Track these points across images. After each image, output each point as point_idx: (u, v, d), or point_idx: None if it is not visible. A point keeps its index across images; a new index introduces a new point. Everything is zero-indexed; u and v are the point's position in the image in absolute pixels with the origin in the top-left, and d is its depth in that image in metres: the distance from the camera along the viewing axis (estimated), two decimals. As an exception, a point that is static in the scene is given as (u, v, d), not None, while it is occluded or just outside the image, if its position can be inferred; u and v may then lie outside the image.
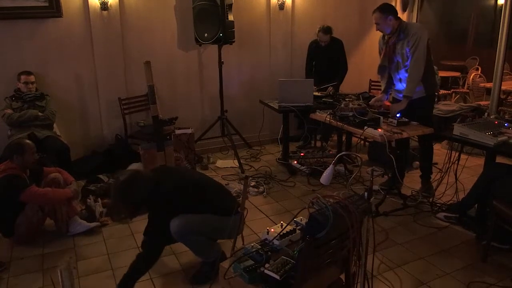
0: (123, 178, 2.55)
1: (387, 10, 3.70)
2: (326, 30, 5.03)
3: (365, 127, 3.58)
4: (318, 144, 5.58)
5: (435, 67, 4.76)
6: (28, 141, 3.33)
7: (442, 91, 6.93)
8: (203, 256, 2.79)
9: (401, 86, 3.90)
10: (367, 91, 5.58)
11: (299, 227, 2.21)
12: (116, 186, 2.57)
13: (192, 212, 2.63)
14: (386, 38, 3.85)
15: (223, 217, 2.57)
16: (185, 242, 2.70)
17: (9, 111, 4.13)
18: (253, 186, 4.30)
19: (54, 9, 4.41)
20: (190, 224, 2.61)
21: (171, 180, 2.70)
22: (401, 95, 3.88)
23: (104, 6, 4.58)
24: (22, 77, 4.23)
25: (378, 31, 3.85)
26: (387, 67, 3.90)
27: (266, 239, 2.12)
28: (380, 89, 4.26)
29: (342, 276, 2.17)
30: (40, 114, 4.21)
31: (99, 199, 3.78)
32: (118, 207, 2.72)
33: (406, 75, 3.78)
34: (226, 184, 4.28)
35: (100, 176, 4.22)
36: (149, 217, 2.68)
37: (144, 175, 2.63)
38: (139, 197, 2.54)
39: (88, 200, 3.72)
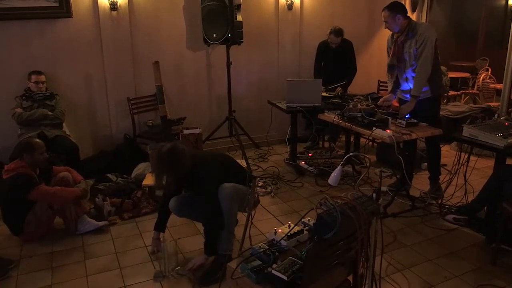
0: (168, 147, 2.73)
1: (396, 8, 3.68)
2: (338, 32, 5.02)
3: (374, 128, 3.56)
4: (326, 144, 5.57)
5: (444, 68, 4.74)
6: (37, 140, 3.37)
7: (451, 92, 6.88)
8: (225, 242, 2.79)
9: (407, 85, 3.88)
10: (376, 92, 5.56)
11: (306, 227, 2.20)
12: (160, 156, 2.72)
13: (228, 181, 2.81)
14: (395, 36, 3.84)
15: (246, 187, 2.80)
16: (228, 210, 2.76)
17: (19, 110, 4.17)
18: (261, 187, 4.30)
19: (64, 10, 4.44)
20: (236, 190, 2.78)
21: (204, 153, 3.07)
22: (407, 95, 3.87)
23: (113, 7, 4.61)
24: (33, 76, 4.27)
25: (386, 29, 3.83)
26: (396, 66, 3.89)
27: (273, 239, 2.12)
28: (388, 90, 4.24)
29: (350, 278, 2.16)
30: (49, 113, 4.24)
31: (107, 198, 3.81)
32: (162, 177, 2.85)
33: (413, 74, 3.76)
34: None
35: (109, 175, 4.23)
36: (194, 187, 2.95)
37: (184, 147, 2.81)
38: (185, 166, 2.72)
39: (97, 199, 3.75)
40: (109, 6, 4.60)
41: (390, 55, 3.89)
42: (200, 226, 3.23)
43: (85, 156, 4.67)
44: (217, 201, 2.76)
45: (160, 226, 3.11)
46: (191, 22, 5.08)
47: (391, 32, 3.91)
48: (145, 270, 2.92)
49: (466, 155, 3.59)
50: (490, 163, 4.07)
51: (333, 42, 5.08)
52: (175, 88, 5.19)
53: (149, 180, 3.96)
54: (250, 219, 2.32)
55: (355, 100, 4.18)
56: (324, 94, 4.84)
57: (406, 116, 3.72)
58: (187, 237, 3.35)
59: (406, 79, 3.88)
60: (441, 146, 4.07)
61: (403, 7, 3.73)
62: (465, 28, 9.03)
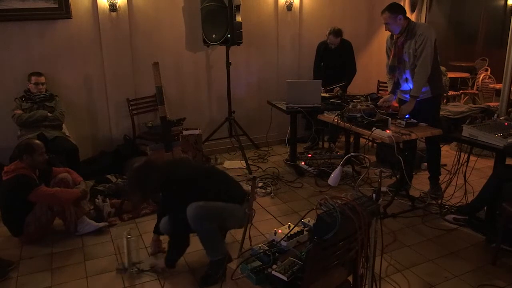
0: (138, 164, 2.67)
1: (397, 9, 3.69)
2: (337, 32, 5.02)
3: (373, 128, 3.57)
4: (326, 145, 5.57)
5: (444, 68, 4.74)
6: (37, 141, 3.37)
7: (451, 92, 6.89)
8: (212, 251, 2.79)
9: (407, 86, 3.89)
10: (375, 92, 5.56)
11: (306, 228, 2.20)
12: (130, 173, 2.69)
13: (207, 198, 2.72)
14: (394, 38, 3.84)
15: (234, 205, 2.72)
16: (200, 229, 2.73)
17: (19, 111, 4.17)
18: (261, 187, 4.30)
19: (63, 11, 4.44)
20: (206, 209, 2.68)
21: (183, 168, 2.85)
22: (407, 96, 3.87)
23: (112, 8, 4.61)
24: (33, 78, 4.27)
25: (387, 31, 3.83)
26: (397, 67, 3.89)
27: (273, 240, 2.12)
28: (387, 90, 4.24)
29: (350, 278, 2.16)
30: (49, 114, 4.24)
31: (107, 199, 3.80)
32: (132, 194, 2.84)
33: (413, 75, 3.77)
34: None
35: (109, 176, 4.24)
36: (162, 204, 2.87)
37: (157, 163, 2.76)
38: (153, 184, 2.66)
39: (97, 200, 3.75)
40: (108, 7, 4.60)
41: (391, 56, 3.89)
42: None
43: (84, 157, 4.67)
44: (179, 223, 2.72)
45: (158, 229, 3.08)
46: (191, 23, 5.09)
47: (389, 33, 3.91)
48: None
49: (466, 155, 3.60)
50: (490, 163, 4.07)
51: (332, 42, 5.09)
52: (175, 89, 5.20)
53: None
54: (250, 220, 2.32)
55: (354, 100, 4.18)
56: (323, 94, 4.84)
57: (406, 117, 3.73)
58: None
59: (406, 80, 3.88)
60: (440, 146, 4.07)
61: (402, 8, 3.74)
62: (464, 28, 9.05)
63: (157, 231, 3.09)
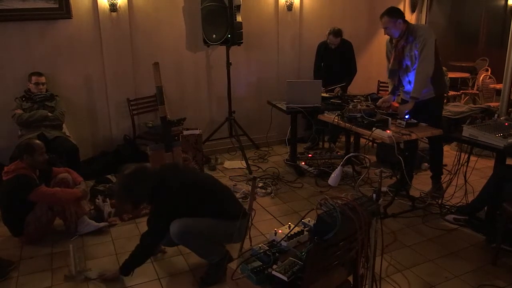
0: (128, 172, 2.59)
1: (396, 13, 3.69)
2: (337, 32, 5.02)
3: (374, 128, 3.57)
4: (326, 145, 5.57)
5: (444, 68, 4.74)
6: (37, 141, 3.37)
7: (451, 93, 6.89)
8: (206, 258, 2.79)
9: (410, 87, 3.88)
10: (375, 92, 5.57)
11: (307, 228, 2.20)
12: (119, 180, 2.63)
13: (195, 214, 2.64)
14: (394, 42, 3.83)
15: (228, 222, 2.59)
16: (185, 244, 2.73)
17: (19, 111, 4.17)
18: (261, 187, 4.30)
19: (63, 11, 4.44)
20: (190, 227, 2.60)
21: (176, 179, 2.69)
22: (409, 96, 3.87)
23: (113, 8, 4.61)
24: (33, 78, 4.27)
25: (386, 35, 3.83)
26: (398, 71, 3.89)
27: (274, 240, 2.12)
28: (388, 90, 4.24)
29: (350, 278, 2.16)
30: (49, 114, 4.24)
31: (107, 199, 3.80)
32: (120, 201, 2.77)
33: None
34: (234, 185, 4.29)
35: (109, 176, 4.24)
36: (150, 213, 2.75)
37: (149, 171, 2.66)
38: (141, 193, 2.58)
39: (97, 200, 3.75)
40: (108, 7, 4.60)
41: (391, 60, 3.89)
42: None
43: (85, 157, 4.67)
44: (158, 234, 2.67)
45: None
46: (191, 23, 5.09)
47: (388, 37, 3.91)
48: (146, 271, 2.91)
49: (466, 155, 3.60)
50: (490, 163, 4.06)
51: (332, 43, 5.09)
52: (175, 89, 5.19)
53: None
54: (250, 220, 2.32)
55: (355, 100, 4.18)
56: (324, 94, 4.84)
57: (407, 117, 3.72)
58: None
59: (409, 82, 3.87)
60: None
61: (401, 12, 3.74)
62: (464, 28, 9.05)
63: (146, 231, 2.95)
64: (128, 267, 2.74)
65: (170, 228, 2.61)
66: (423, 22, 6.47)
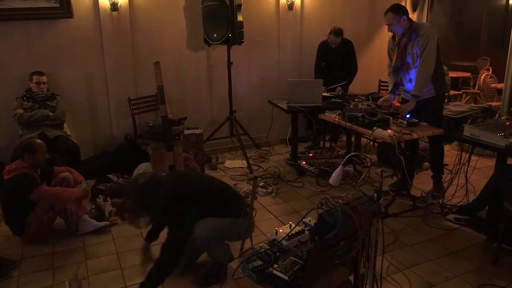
0: (143, 181, 2.50)
1: (400, 10, 3.68)
2: (338, 32, 5.02)
3: (375, 128, 3.56)
4: (327, 144, 5.57)
5: (445, 68, 4.73)
6: (38, 140, 3.37)
7: (452, 92, 6.87)
8: (219, 256, 2.78)
9: (411, 86, 3.88)
10: (376, 92, 5.56)
11: (307, 227, 2.20)
12: (135, 191, 2.51)
13: (207, 216, 2.65)
14: (397, 39, 3.83)
15: (234, 219, 2.60)
16: (209, 247, 2.73)
17: (20, 111, 4.17)
18: (262, 187, 4.30)
19: (64, 10, 4.45)
20: (216, 228, 2.62)
21: (189, 186, 2.68)
22: (410, 95, 3.86)
23: (114, 7, 4.62)
24: (34, 77, 4.27)
25: (389, 32, 3.82)
26: (400, 68, 3.88)
27: (274, 239, 2.11)
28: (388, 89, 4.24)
29: (351, 277, 2.16)
30: (50, 114, 4.25)
31: (108, 198, 3.81)
32: (136, 211, 2.60)
33: None
34: (234, 185, 4.29)
35: (110, 175, 4.24)
36: (167, 225, 2.66)
37: (162, 180, 2.59)
38: (159, 202, 2.50)
39: (98, 200, 3.75)
40: (109, 6, 4.61)
41: (394, 57, 3.88)
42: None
43: (86, 156, 4.67)
44: (179, 242, 2.57)
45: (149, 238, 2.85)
46: (192, 22, 5.09)
47: (391, 34, 3.90)
48: (146, 271, 2.91)
49: (467, 155, 3.59)
50: (491, 162, 4.06)
51: (333, 42, 5.08)
52: (176, 88, 5.19)
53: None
54: (251, 219, 2.32)
55: (356, 100, 4.17)
56: (325, 94, 4.84)
57: (408, 116, 3.72)
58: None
59: (410, 80, 3.87)
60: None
61: (406, 9, 3.73)
62: (465, 28, 9.04)
63: (149, 238, 2.88)
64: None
65: (196, 233, 2.59)
66: (424, 21, 6.45)
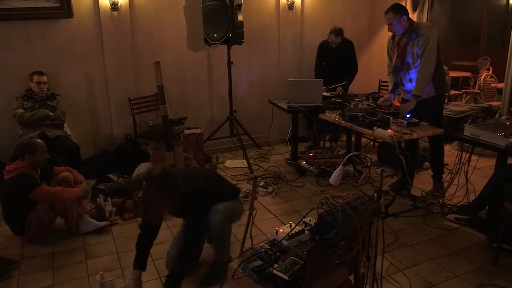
0: (158, 173, 2.45)
1: (401, 10, 3.67)
2: (338, 32, 5.01)
3: (375, 128, 3.56)
4: (327, 144, 5.57)
5: (446, 68, 4.73)
6: (39, 140, 3.37)
7: (452, 92, 6.87)
8: (222, 253, 2.82)
9: (411, 86, 3.88)
10: (377, 92, 5.56)
11: (308, 227, 2.20)
12: (153, 183, 2.43)
13: (218, 201, 2.76)
14: (397, 39, 3.83)
15: (235, 201, 2.86)
16: (222, 233, 2.76)
17: (20, 110, 4.17)
18: (262, 186, 4.30)
19: (65, 10, 4.45)
20: (229, 212, 2.75)
21: (196, 176, 2.87)
22: (410, 95, 3.86)
23: (114, 7, 4.61)
24: (35, 77, 4.27)
25: (390, 31, 3.82)
26: (400, 68, 3.88)
27: (275, 239, 2.11)
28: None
29: (351, 277, 2.16)
30: (50, 113, 4.25)
31: (108, 198, 3.81)
32: (158, 205, 2.49)
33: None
34: (235, 185, 4.29)
35: (110, 175, 4.24)
36: (188, 211, 2.67)
37: (174, 170, 2.69)
38: (179, 189, 2.49)
39: (98, 199, 3.75)
40: (110, 6, 4.61)
41: (394, 57, 3.88)
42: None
43: (86, 156, 4.67)
44: (199, 232, 2.70)
45: (141, 263, 2.61)
46: (192, 22, 5.09)
47: (391, 34, 3.90)
48: (146, 270, 2.92)
49: (467, 155, 3.59)
50: (491, 162, 4.06)
51: (333, 42, 5.08)
52: (176, 88, 5.19)
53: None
54: (251, 219, 2.32)
55: (356, 99, 4.17)
56: (325, 93, 4.84)
57: (408, 116, 3.72)
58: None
59: (410, 80, 3.87)
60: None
61: (406, 9, 3.73)
62: (466, 28, 9.04)
63: (140, 265, 2.61)
64: (174, 285, 2.58)
65: (214, 217, 2.67)
66: (425, 21, 6.45)
